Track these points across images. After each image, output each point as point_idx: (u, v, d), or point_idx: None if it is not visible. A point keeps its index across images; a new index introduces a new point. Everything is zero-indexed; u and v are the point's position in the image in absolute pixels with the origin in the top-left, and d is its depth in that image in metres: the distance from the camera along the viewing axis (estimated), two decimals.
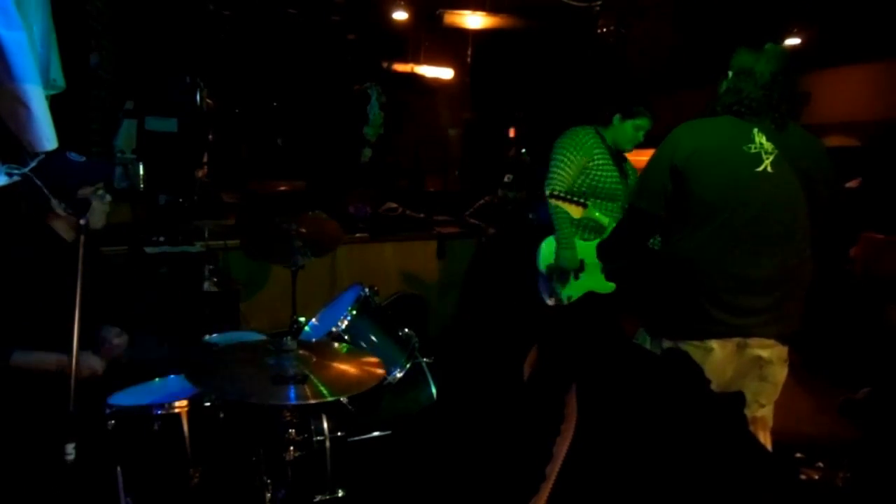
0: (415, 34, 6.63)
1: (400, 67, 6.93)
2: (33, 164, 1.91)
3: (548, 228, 3.23)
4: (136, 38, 4.72)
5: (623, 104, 3.21)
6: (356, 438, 2.44)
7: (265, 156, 7.11)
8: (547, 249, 3.22)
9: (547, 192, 2.98)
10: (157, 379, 2.19)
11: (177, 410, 1.97)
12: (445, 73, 6.94)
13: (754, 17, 5.09)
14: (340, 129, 7.19)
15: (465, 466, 2.49)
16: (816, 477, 2.63)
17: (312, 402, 1.72)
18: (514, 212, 4.89)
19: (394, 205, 5.37)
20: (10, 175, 1.86)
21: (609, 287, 3.03)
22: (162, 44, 4.94)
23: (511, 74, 6.69)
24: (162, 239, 3.90)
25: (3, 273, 1.98)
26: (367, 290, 2.75)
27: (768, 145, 1.91)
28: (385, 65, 6.93)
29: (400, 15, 5.91)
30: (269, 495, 2.11)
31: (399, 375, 2.55)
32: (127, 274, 3.63)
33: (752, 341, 1.95)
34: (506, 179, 5.12)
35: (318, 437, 2.27)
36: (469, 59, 6.76)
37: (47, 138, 1.91)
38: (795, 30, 5.53)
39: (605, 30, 5.53)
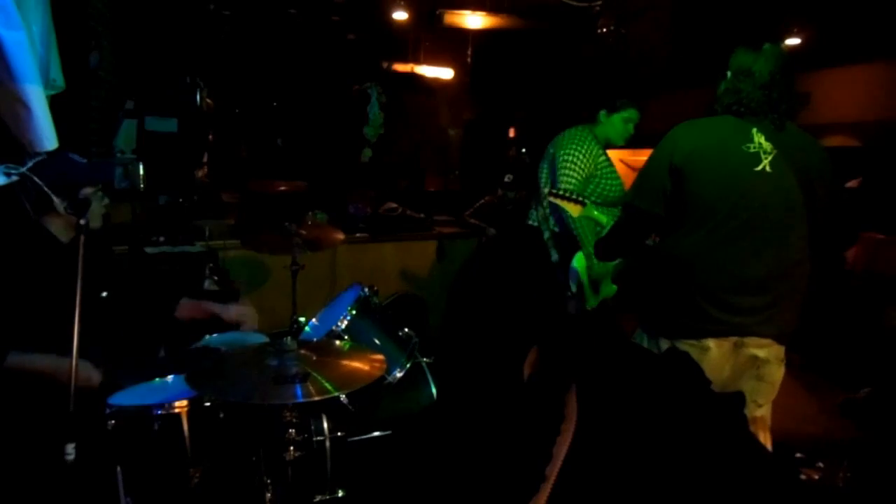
0: (415, 34, 6.63)
1: (400, 67, 6.93)
2: (31, 164, 1.91)
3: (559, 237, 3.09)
4: (136, 38, 4.72)
5: (606, 99, 3.16)
6: (356, 438, 2.44)
7: (265, 156, 7.11)
8: (581, 265, 2.99)
9: (547, 191, 2.93)
10: (157, 379, 2.19)
11: (177, 410, 1.96)
12: (445, 73, 6.94)
13: (754, 16, 5.10)
14: (340, 129, 7.19)
15: (465, 466, 2.49)
16: (816, 477, 2.63)
17: (317, 398, 1.71)
18: (514, 212, 4.89)
19: (394, 205, 5.37)
20: (8, 175, 1.86)
21: (613, 290, 3.00)
22: (162, 44, 4.94)
23: (511, 74, 6.70)
24: (162, 239, 3.90)
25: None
26: (367, 290, 2.75)
27: (767, 145, 1.92)
28: (385, 65, 6.93)
29: (400, 15, 5.91)
30: (269, 495, 2.11)
31: (399, 375, 2.55)
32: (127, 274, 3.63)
33: (749, 340, 1.96)
34: (506, 179, 5.13)
35: (318, 437, 2.27)
36: (469, 59, 6.76)
37: (47, 138, 1.92)
38: (795, 30, 5.53)
39: (605, 30, 5.53)
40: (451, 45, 6.69)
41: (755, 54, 1.99)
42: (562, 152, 3.07)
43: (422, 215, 5.38)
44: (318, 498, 2.26)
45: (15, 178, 1.88)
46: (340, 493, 2.29)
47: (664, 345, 2.00)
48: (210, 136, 5.66)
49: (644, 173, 2.05)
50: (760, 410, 2.08)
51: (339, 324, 2.51)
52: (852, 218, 4.23)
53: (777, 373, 2.04)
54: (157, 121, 4.48)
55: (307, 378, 1.79)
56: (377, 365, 1.95)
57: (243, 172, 6.57)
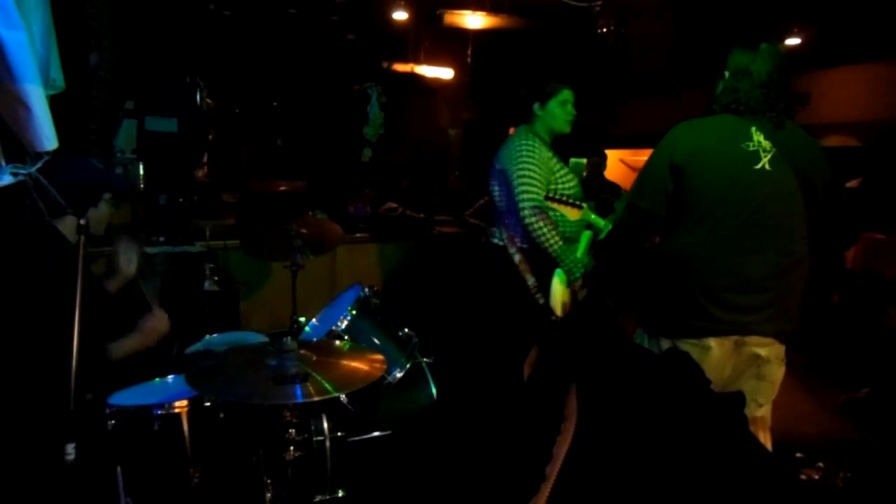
0: (415, 34, 6.64)
1: (400, 67, 6.94)
2: (39, 164, 1.91)
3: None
4: (136, 37, 4.73)
5: (533, 92, 2.94)
6: (356, 438, 2.44)
7: (265, 156, 7.12)
8: (559, 288, 2.74)
9: (524, 207, 2.68)
10: (157, 379, 2.19)
11: (177, 410, 1.96)
12: (445, 73, 6.94)
13: (754, 17, 5.10)
14: (340, 129, 7.20)
15: (465, 466, 2.49)
16: (816, 477, 2.63)
17: (316, 399, 1.71)
18: None
19: (394, 205, 5.37)
20: (15, 175, 1.86)
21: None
22: (162, 44, 4.94)
23: (511, 74, 6.70)
24: (162, 239, 3.90)
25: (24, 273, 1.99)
26: (367, 290, 2.75)
27: (766, 143, 1.92)
28: (385, 65, 6.94)
29: (400, 15, 5.91)
30: (269, 495, 2.11)
31: (399, 375, 2.55)
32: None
33: (750, 339, 1.96)
34: None
35: (318, 437, 2.27)
36: (469, 59, 6.77)
37: (47, 138, 1.91)
38: (795, 30, 5.53)
39: (605, 30, 5.53)
40: (451, 45, 6.69)
41: (752, 54, 1.99)
42: (514, 169, 2.76)
43: (422, 215, 5.38)
44: (318, 498, 2.26)
45: (22, 178, 1.89)
46: (340, 493, 2.29)
47: (665, 344, 2.00)
48: (210, 136, 5.67)
49: (644, 173, 2.05)
50: (761, 410, 2.08)
51: (339, 324, 2.52)
52: (852, 218, 4.24)
53: (778, 372, 2.04)
54: (157, 121, 4.48)
55: (307, 378, 1.79)
56: (377, 365, 1.95)
57: (243, 172, 6.58)
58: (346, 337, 2.51)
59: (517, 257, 2.84)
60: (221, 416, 2.06)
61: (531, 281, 2.82)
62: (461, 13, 5.69)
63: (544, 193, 2.74)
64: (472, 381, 2.94)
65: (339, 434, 2.31)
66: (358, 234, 4.85)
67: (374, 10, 6.06)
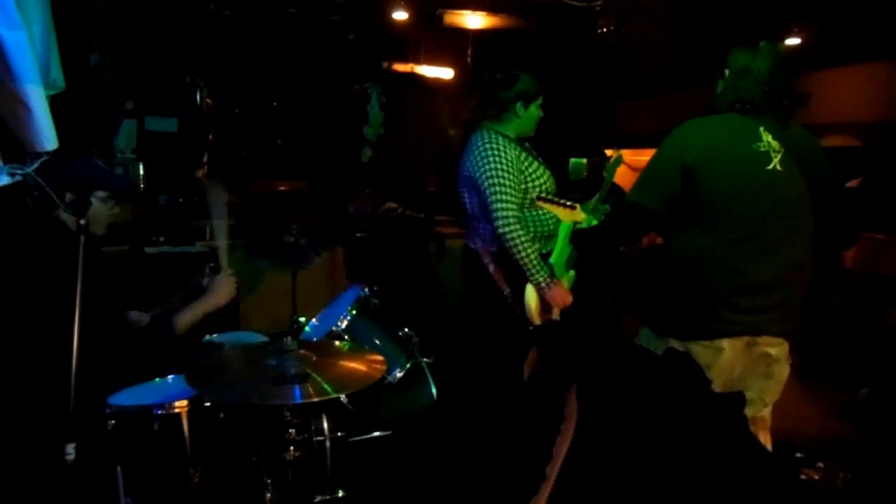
0: (415, 34, 6.63)
1: (400, 67, 6.93)
2: (37, 164, 1.91)
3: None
4: (136, 37, 4.72)
5: (524, 92, 2.77)
6: (356, 438, 2.44)
7: (265, 156, 7.12)
8: (532, 298, 2.64)
9: (498, 217, 2.55)
10: (157, 379, 2.19)
11: (177, 410, 1.96)
12: (445, 73, 6.94)
13: (754, 17, 5.09)
14: (340, 129, 7.20)
15: (465, 466, 2.49)
16: (816, 477, 2.63)
17: (315, 399, 1.71)
18: None
19: (394, 205, 5.37)
20: (13, 175, 1.86)
21: (572, 279, 2.78)
22: (162, 44, 4.94)
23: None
24: (162, 239, 3.90)
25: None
26: (367, 290, 2.75)
27: (775, 143, 1.92)
28: (385, 65, 6.93)
29: (400, 15, 5.91)
30: (269, 495, 2.11)
31: (399, 375, 2.55)
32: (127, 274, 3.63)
33: (762, 339, 1.96)
34: None
35: (318, 437, 2.27)
36: (469, 59, 6.76)
37: (47, 138, 1.92)
38: (795, 30, 5.53)
39: (605, 30, 5.53)
40: (451, 45, 6.68)
41: (752, 52, 1.99)
42: (484, 177, 2.60)
43: (422, 215, 5.38)
44: (318, 498, 2.26)
45: (19, 177, 1.89)
46: (340, 493, 2.29)
47: (675, 345, 1.98)
48: (210, 136, 5.67)
49: (651, 172, 2.02)
50: (765, 410, 2.08)
51: (339, 324, 2.52)
52: (852, 218, 4.25)
53: (785, 370, 2.04)
54: (157, 121, 4.48)
55: (306, 379, 1.79)
56: (377, 366, 1.96)
57: (243, 172, 6.58)
58: (346, 337, 2.51)
59: (491, 267, 2.75)
60: (221, 416, 2.06)
61: (506, 290, 2.73)
62: (461, 13, 5.68)
63: (519, 199, 2.63)
64: (472, 381, 2.93)
65: (339, 434, 2.31)
66: (358, 234, 4.85)
67: (374, 10, 6.06)
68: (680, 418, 1.16)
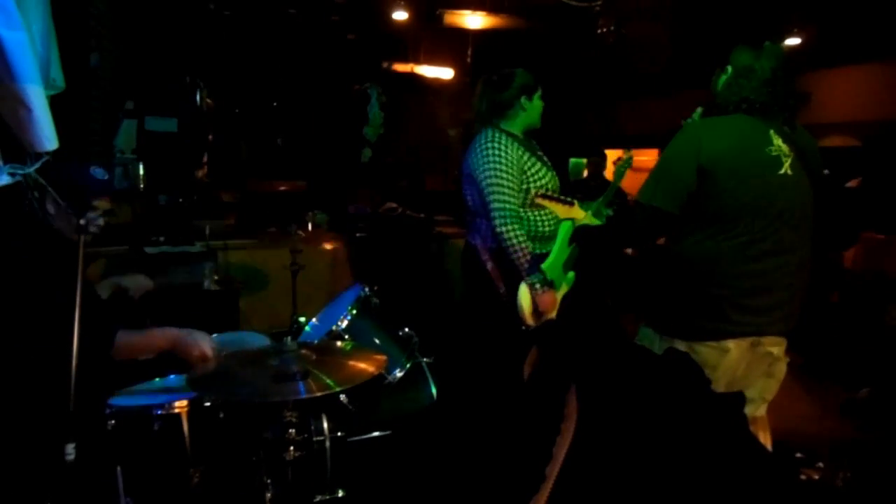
0: (415, 34, 6.63)
1: (400, 67, 6.94)
2: (38, 165, 1.91)
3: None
4: (136, 38, 4.73)
5: (524, 85, 2.81)
6: (356, 438, 2.44)
7: (265, 156, 7.12)
8: (525, 298, 2.63)
9: (496, 216, 2.58)
10: (157, 379, 2.19)
11: (177, 410, 1.96)
12: (445, 73, 6.94)
13: (754, 17, 5.10)
14: (340, 129, 7.20)
15: (465, 466, 2.49)
16: (816, 477, 2.63)
17: (318, 394, 1.71)
18: None
19: (394, 205, 5.38)
20: (13, 175, 1.86)
21: (571, 280, 2.77)
22: (162, 44, 4.94)
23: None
24: (162, 239, 3.90)
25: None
26: (367, 290, 2.75)
27: (785, 147, 1.93)
28: (385, 65, 6.94)
29: (400, 15, 5.91)
30: (269, 495, 2.11)
31: (399, 375, 2.55)
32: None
33: (767, 339, 1.97)
34: None
35: (318, 437, 2.26)
36: (469, 59, 6.76)
37: (48, 138, 1.91)
38: (795, 30, 5.53)
39: (604, 30, 5.53)
40: (451, 45, 6.68)
41: (756, 52, 1.99)
42: (483, 176, 2.63)
43: (422, 215, 5.38)
44: (318, 498, 2.25)
45: (20, 178, 1.88)
46: (340, 493, 2.29)
47: (680, 346, 1.97)
48: (210, 136, 5.67)
49: (663, 173, 2.00)
50: (763, 409, 2.08)
51: (340, 324, 2.51)
52: (852, 217, 4.25)
53: (784, 368, 2.06)
54: (157, 121, 4.49)
55: (307, 376, 1.79)
56: (377, 362, 1.96)
57: (243, 172, 6.58)
58: (346, 336, 2.50)
59: (489, 264, 2.77)
60: (221, 416, 2.06)
61: (502, 288, 2.75)
62: (461, 13, 5.69)
63: (519, 197, 2.64)
64: (472, 381, 2.93)
65: (339, 434, 2.31)
66: (358, 234, 4.85)
67: (374, 10, 6.06)
68: (680, 418, 1.16)
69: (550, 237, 2.72)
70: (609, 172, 5.92)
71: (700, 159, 1.90)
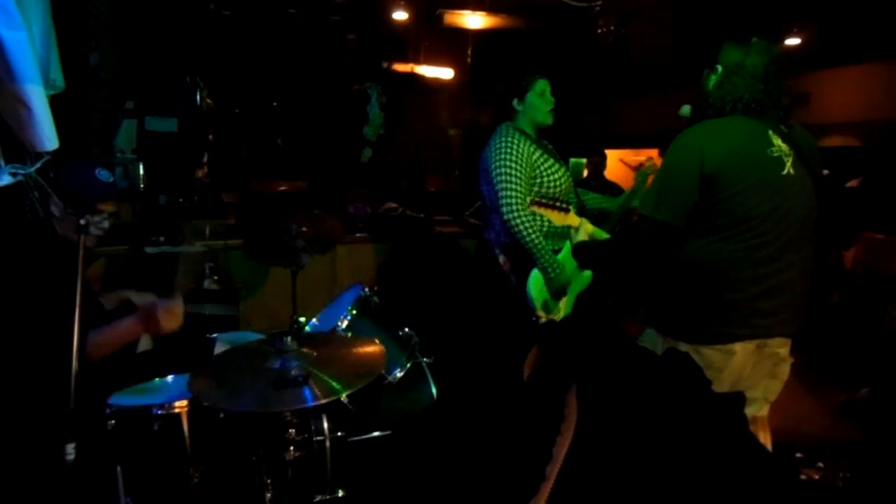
0: (415, 34, 6.64)
1: (400, 67, 6.94)
2: (39, 165, 1.91)
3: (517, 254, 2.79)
4: (136, 38, 4.73)
5: (510, 89, 2.95)
6: (356, 438, 2.44)
7: (265, 156, 7.13)
8: (535, 287, 2.76)
9: (503, 204, 2.70)
10: (157, 379, 2.19)
11: (177, 410, 1.96)
12: (445, 73, 6.94)
13: (754, 16, 5.10)
14: (340, 129, 7.20)
15: (465, 466, 2.49)
16: (816, 477, 2.63)
17: (323, 402, 1.71)
18: None
19: (394, 205, 5.38)
20: (14, 175, 1.86)
21: (587, 278, 2.86)
22: (162, 44, 4.94)
23: (511, 74, 6.70)
24: (162, 239, 3.90)
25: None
26: (367, 290, 2.75)
27: (785, 147, 1.91)
28: (385, 65, 6.94)
29: (400, 15, 5.92)
30: (269, 495, 2.11)
31: (399, 375, 2.55)
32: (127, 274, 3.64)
33: (773, 341, 1.95)
34: None
35: (318, 437, 2.26)
36: (469, 59, 6.76)
37: (48, 138, 1.91)
38: (795, 30, 5.53)
39: (605, 30, 5.53)
40: (451, 45, 6.69)
41: (745, 48, 1.96)
42: (494, 167, 2.76)
43: (422, 215, 5.38)
44: (318, 498, 2.26)
45: (21, 178, 1.88)
46: (340, 493, 2.29)
47: (683, 348, 1.96)
48: (210, 136, 5.67)
49: (666, 183, 1.96)
50: (766, 409, 2.08)
51: (340, 324, 2.52)
52: (852, 217, 4.25)
53: (787, 369, 2.05)
54: (157, 121, 4.48)
55: (309, 378, 1.79)
56: (377, 352, 1.95)
57: (243, 172, 6.58)
58: (347, 335, 2.50)
59: (501, 258, 2.86)
60: (221, 416, 2.06)
61: (513, 280, 2.84)
62: (461, 13, 5.69)
63: (527, 189, 2.75)
64: (472, 381, 2.94)
65: (339, 434, 2.31)
66: (358, 234, 4.85)
67: (374, 10, 6.07)
68: (680, 418, 1.16)
69: (564, 235, 2.78)
70: (609, 172, 5.93)
71: (704, 168, 1.86)
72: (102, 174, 2.05)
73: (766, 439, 2.10)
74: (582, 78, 6.65)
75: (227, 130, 6.46)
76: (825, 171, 2.08)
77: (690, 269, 1.98)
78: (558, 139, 3.13)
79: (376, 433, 2.52)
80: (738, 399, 1.38)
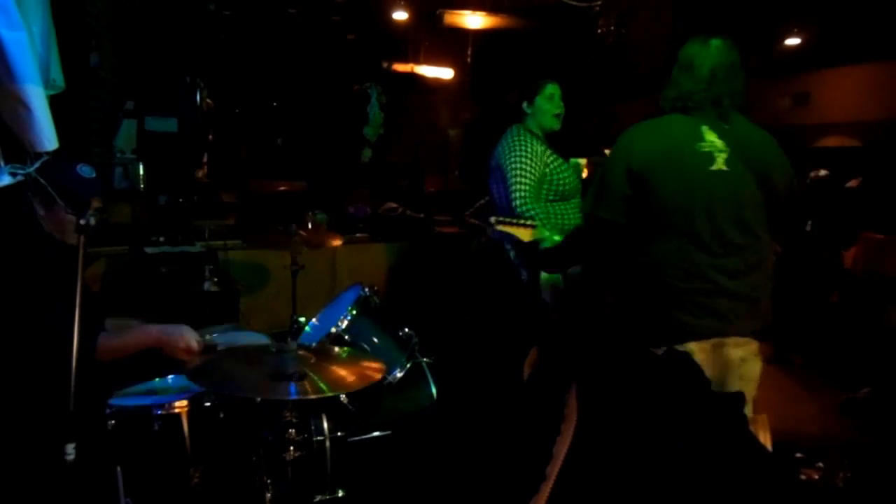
0: (415, 34, 6.64)
1: (400, 67, 6.94)
2: (37, 165, 1.91)
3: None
4: (136, 38, 4.73)
5: (521, 92, 3.03)
6: (356, 438, 2.44)
7: (265, 156, 7.13)
8: (549, 281, 2.81)
9: (515, 198, 2.79)
10: (157, 379, 2.19)
11: (177, 410, 1.96)
12: (445, 73, 6.94)
13: (754, 17, 5.10)
14: (340, 129, 7.20)
15: (465, 466, 2.49)
16: (816, 477, 2.63)
17: (312, 397, 1.72)
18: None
19: (394, 205, 5.38)
20: (14, 175, 1.86)
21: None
22: (162, 44, 4.94)
23: (511, 74, 6.70)
24: (162, 239, 3.90)
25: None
26: (367, 290, 2.75)
27: (719, 143, 1.91)
28: (385, 65, 6.94)
29: (400, 15, 5.92)
30: (269, 495, 2.11)
31: (399, 375, 2.55)
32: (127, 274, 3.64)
33: (729, 340, 1.95)
34: None
35: (318, 437, 2.27)
36: (469, 59, 6.77)
37: (48, 138, 1.92)
38: (794, 30, 5.54)
39: (604, 30, 5.53)
40: (451, 45, 6.69)
41: (701, 48, 1.97)
42: (507, 163, 2.86)
43: (422, 215, 5.38)
44: (318, 498, 2.26)
45: (21, 178, 1.88)
46: (340, 493, 2.29)
47: None
48: (210, 136, 5.67)
49: (601, 181, 2.00)
50: (749, 408, 2.07)
51: (340, 324, 2.51)
52: (852, 217, 4.25)
53: (756, 368, 2.03)
54: (157, 121, 4.49)
55: (305, 377, 1.79)
56: (375, 372, 1.96)
57: (243, 172, 6.58)
58: (346, 337, 2.50)
59: (512, 253, 2.90)
60: (221, 416, 2.06)
61: (524, 275, 2.87)
62: (461, 13, 5.69)
63: (538, 185, 2.83)
64: (472, 381, 2.94)
65: (339, 434, 2.31)
66: (358, 235, 4.85)
67: (374, 10, 6.07)
68: (680, 418, 1.16)
69: (574, 194, 2.89)
70: None
71: (631, 164, 1.91)
72: (84, 170, 2.04)
73: (766, 439, 2.10)
74: (582, 78, 6.65)
75: (226, 130, 6.45)
76: (824, 172, 2.08)
77: (635, 271, 1.99)
78: (558, 139, 3.14)
79: (376, 433, 2.52)
80: (738, 399, 1.38)
